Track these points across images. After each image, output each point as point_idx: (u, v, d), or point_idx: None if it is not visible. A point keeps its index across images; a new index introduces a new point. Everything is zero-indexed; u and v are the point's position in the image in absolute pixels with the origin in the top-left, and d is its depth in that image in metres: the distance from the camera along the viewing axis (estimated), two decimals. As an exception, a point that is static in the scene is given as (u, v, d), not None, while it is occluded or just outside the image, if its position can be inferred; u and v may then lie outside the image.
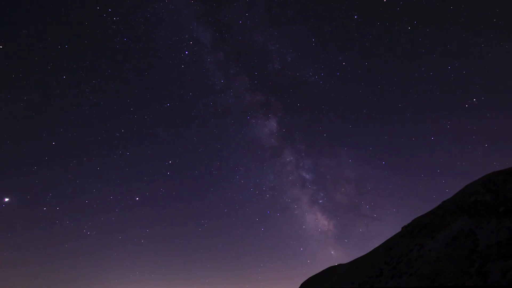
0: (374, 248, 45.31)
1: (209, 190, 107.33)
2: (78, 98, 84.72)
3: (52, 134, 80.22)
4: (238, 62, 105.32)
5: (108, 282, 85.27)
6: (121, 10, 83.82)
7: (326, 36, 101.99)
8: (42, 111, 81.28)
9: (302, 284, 52.59)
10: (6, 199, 70.44)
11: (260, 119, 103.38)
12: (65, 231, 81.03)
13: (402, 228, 44.43)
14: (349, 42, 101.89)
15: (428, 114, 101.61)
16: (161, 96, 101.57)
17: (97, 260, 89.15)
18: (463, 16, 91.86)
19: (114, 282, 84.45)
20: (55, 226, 77.33)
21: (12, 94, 75.10)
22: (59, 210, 78.19)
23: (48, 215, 76.94)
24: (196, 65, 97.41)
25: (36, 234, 79.70)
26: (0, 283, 71.96)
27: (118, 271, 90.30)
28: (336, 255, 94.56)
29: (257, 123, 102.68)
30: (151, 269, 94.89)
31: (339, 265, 49.62)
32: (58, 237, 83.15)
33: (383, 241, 45.15)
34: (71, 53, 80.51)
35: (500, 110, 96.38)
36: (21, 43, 75.30)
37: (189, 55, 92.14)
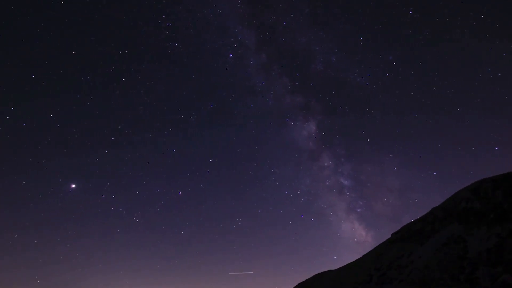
0: (364, 254, 45.11)
1: (245, 190, 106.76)
2: (134, 99, 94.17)
3: (111, 130, 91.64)
4: (280, 63, 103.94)
5: (151, 268, 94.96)
6: (173, 17, 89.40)
7: (375, 34, 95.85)
8: (104, 109, 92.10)
9: (291, 290, 51.97)
10: (73, 185, 79.63)
11: (299, 121, 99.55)
12: (118, 218, 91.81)
13: (392, 234, 44.34)
14: (401, 40, 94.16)
15: (493, 121, 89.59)
16: (206, 97, 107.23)
17: (144, 246, 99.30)
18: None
19: (156, 267, 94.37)
20: (110, 212, 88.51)
21: (80, 94, 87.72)
22: (114, 198, 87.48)
23: (105, 202, 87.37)
24: (239, 67, 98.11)
25: (95, 218, 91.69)
26: (63, 261, 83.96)
27: (161, 257, 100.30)
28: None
29: (296, 126, 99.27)
30: (190, 258, 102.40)
31: (329, 271, 49.25)
32: (112, 222, 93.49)
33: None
34: (129, 58, 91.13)
35: None
36: (89, 50, 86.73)
37: (233, 58, 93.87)
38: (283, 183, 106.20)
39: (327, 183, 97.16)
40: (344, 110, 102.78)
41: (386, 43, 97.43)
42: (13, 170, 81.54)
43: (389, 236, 44.43)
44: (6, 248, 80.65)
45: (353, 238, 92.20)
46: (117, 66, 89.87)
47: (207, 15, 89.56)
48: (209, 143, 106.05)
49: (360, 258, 44.94)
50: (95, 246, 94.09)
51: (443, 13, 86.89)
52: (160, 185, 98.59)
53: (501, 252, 26.79)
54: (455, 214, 35.91)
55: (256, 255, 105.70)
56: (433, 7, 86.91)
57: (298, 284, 51.98)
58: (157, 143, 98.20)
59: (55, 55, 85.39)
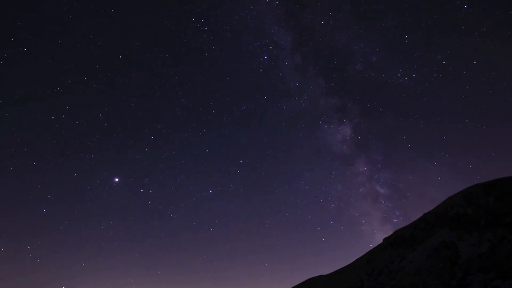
0: (355, 260, 44.81)
1: (273, 192, 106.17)
2: (172, 100, 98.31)
3: (151, 130, 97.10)
4: (316, 64, 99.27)
5: (180, 261, 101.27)
6: (211, 21, 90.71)
7: (423, 31, 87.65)
8: (146, 110, 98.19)
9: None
10: (116, 179, 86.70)
11: (333, 124, 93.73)
12: (154, 211, 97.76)
13: (384, 239, 44.15)
14: (453, 37, 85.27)
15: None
16: (239, 99, 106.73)
17: (175, 239, 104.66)
18: None
19: (185, 261, 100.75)
20: (147, 205, 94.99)
21: (125, 96, 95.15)
22: (151, 193, 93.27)
23: (143, 196, 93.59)
24: (273, 69, 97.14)
25: (133, 210, 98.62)
26: (105, 247, 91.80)
27: (190, 252, 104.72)
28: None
29: (330, 129, 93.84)
30: (218, 254, 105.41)
31: (320, 276, 48.85)
32: (148, 215, 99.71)
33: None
34: (170, 61, 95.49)
35: None
36: (135, 54, 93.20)
37: (267, 60, 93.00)
38: (313, 188, 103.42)
39: (360, 190, 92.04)
40: (383, 113, 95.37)
41: (436, 40, 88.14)
42: (66, 163, 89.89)
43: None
44: (58, 231, 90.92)
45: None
46: (159, 69, 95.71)
47: (244, 18, 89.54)
48: (240, 144, 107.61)
49: (352, 263, 44.62)
50: (133, 235, 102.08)
51: (504, 6, 77.48)
52: (192, 183, 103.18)
53: (492, 257, 26.72)
54: (447, 219, 35.88)
55: (281, 258, 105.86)
56: (491, 0, 79.22)
57: (289, 289, 51.37)
58: (191, 143, 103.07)
59: (105, 60, 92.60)
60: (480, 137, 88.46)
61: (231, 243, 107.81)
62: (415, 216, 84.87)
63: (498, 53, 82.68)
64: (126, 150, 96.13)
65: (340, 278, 41.48)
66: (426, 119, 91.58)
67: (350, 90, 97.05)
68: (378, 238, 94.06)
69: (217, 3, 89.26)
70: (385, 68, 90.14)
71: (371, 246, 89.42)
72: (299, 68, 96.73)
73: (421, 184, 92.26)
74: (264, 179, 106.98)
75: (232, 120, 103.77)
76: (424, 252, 33.56)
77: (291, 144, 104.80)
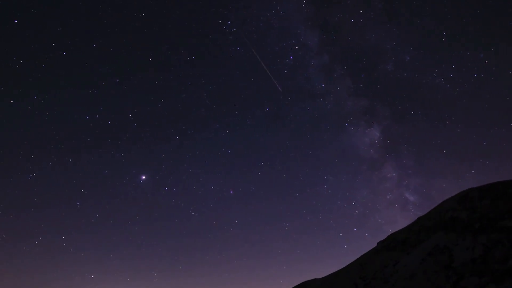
0: (349, 263, 44.43)
1: (294, 195, 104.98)
2: (197, 101, 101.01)
3: (177, 130, 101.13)
4: (344, 64, 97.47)
5: (201, 258, 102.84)
6: (238, 22, 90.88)
7: (463, 28, 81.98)
8: (172, 111, 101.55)
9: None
10: (143, 177, 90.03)
11: (360, 126, 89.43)
12: (177, 209, 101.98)
13: (378, 243, 43.85)
14: (499, 34, 79.21)
15: None
16: (262, 100, 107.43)
17: (196, 238, 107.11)
18: None
19: (205, 259, 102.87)
20: (171, 203, 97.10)
21: (154, 97, 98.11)
22: (175, 191, 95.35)
23: (167, 193, 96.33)
24: (298, 70, 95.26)
25: (158, 207, 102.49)
26: (131, 241, 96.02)
27: (210, 250, 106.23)
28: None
29: (356, 131, 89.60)
30: (237, 255, 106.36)
31: (314, 279, 48.43)
32: (171, 212, 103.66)
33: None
34: (196, 63, 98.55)
35: None
36: (163, 57, 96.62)
37: (293, 60, 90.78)
38: (336, 192, 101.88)
39: (388, 197, 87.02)
40: (416, 115, 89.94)
41: (478, 38, 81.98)
42: (98, 160, 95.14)
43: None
44: (90, 223, 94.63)
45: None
46: (185, 71, 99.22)
47: (270, 18, 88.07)
48: (262, 146, 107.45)
49: (345, 267, 44.24)
50: (157, 231, 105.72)
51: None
52: (214, 183, 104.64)
53: (486, 261, 26.47)
54: (441, 223, 35.63)
55: (300, 262, 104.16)
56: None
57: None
58: (214, 144, 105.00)
59: (135, 63, 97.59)
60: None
61: (249, 243, 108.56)
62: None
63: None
64: (153, 149, 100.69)
65: (334, 282, 41.08)
66: (464, 123, 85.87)
67: (380, 91, 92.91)
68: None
69: (243, 5, 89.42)
70: (419, 68, 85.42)
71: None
72: (325, 69, 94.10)
73: (455, 192, 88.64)
74: (285, 182, 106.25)
75: (254, 122, 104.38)
76: (418, 256, 33.26)
77: (315, 147, 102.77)
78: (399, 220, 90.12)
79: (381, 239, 44.08)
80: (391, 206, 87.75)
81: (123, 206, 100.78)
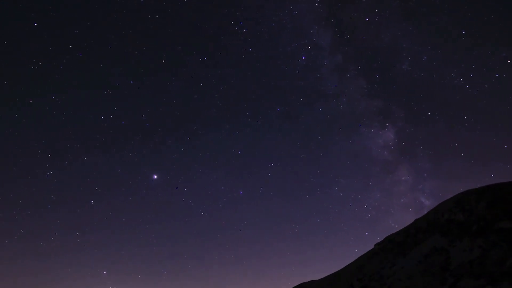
0: (346, 265, 44.37)
1: (304, 197, 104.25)
2: (208, 102, 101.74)
3: (188, 130, 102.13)
4: (358, 64, 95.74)
5: (210, 258, 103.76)
6: (249, 22, 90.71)
7: (484, 27, 78.23)
8: (184, 111, 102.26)
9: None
10: (155, 176, 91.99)
11: (374, 128, 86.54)
12: (187, 208, 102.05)
13: (375, 245, 43.81)
14: None
15: None
16: (274, 101, 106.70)
17: (205, 238, 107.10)
18: None
19: (214, 259, 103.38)
20: (181, 202, 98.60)
21: (166, 98, 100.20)
22: (185, 191, 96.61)
23: (178, 193, 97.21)
24: (311, 70, 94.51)
25: (169, 206, 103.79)
26: (142, 238, 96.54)
27: (219, 250, 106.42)
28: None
29: (370, 133, 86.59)
30: (245, 255, 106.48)
31: (311, 281, 48.34)
32: (182, 211, 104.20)
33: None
34: (208, 64, 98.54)
35: None
36: (176, 58, 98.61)
37: (305, 60, 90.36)
38: (348, 195, 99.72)
39: (402, 200, 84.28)
40: (433, 116, 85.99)
41: (499, 36, 78.09)
42: (112, 159, 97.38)
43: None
44: (103, 221, 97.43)
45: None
46: (197, 72, 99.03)
47: (282, 18, 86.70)
48: (272, 147, 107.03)
49: (342, 268, 44.18)
50: (167, 230, 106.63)
51: None
52: (224, 183, 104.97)
53: (484, 263, 26.47)
54: (438, 225, 35.65)
55: (309, 264, 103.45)
56: None
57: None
58: (225, 144, 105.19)
59: (149, 64, 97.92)
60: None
61: (259, 244, 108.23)
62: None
63: None
64: (165, 149, 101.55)
65: (331, 284, 41.00)
66: (484, 125, 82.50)
67: (395, 92, 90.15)
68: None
69: (256, 5, 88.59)
70: (437, 68, 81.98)
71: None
72: (338, 69, 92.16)
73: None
74: (295, 183, 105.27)
75: (265, 122, 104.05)
76: (415, 258, 33.24)
77: (326, 148, 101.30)
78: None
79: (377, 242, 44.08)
80: (405, 209, 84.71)
81: (135, 205, 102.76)
